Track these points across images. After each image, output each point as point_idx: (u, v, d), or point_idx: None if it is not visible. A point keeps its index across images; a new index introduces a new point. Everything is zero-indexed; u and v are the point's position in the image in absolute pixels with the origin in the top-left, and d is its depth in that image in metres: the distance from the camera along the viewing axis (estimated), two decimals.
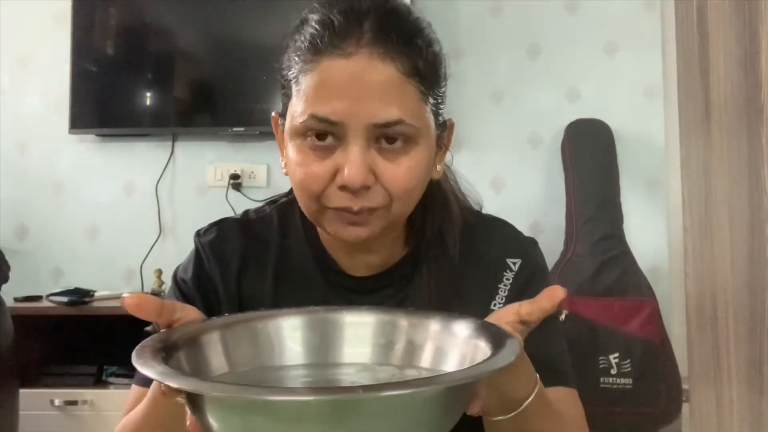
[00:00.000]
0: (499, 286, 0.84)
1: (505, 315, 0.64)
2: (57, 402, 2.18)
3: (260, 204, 0.93)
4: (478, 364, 0.52)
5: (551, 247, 2.42)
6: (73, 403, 2.18)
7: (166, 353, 0.56)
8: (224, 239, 0.87)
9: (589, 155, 2.44)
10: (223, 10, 2.60)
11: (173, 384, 0.50)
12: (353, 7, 0.72)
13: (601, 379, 2.18)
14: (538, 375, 0.69)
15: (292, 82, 0.74)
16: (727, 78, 1.46)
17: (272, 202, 0.93)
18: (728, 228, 1.47)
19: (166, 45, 2.68)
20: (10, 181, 2.70)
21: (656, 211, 2.52)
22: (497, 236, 0.88)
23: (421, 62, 0.73)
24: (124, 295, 0.61)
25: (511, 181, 2.58)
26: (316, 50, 0.72)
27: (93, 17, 2.66)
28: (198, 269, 0.86)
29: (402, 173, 0.73)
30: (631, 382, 2.18)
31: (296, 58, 0.74)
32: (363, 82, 0.70)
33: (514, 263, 0.85)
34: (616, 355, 2.17)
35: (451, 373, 0.52)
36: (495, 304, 0.84)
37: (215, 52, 2.67)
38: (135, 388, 0.83)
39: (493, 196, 2.57)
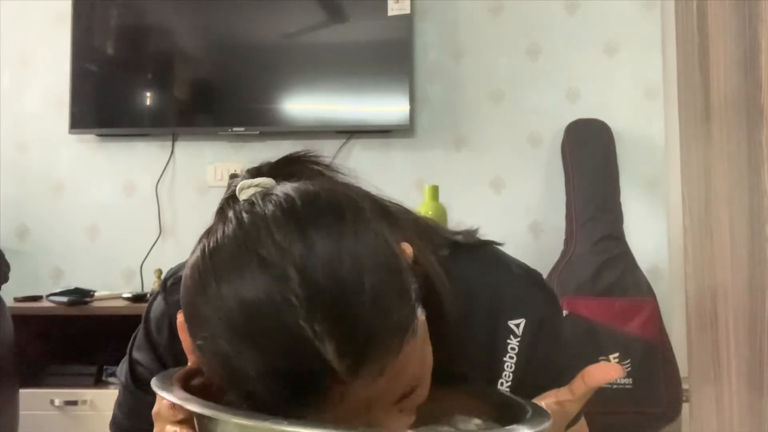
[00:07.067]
0: (504, 359, 0.71)
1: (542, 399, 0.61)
2: (57, 402, 2.17)
3: None
4: (505, 427, 0.53)
5: (551, 247, 2.42)
6: (73, 403, 2.18)
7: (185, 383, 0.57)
8: None
9: (589, 155, 2.44)
10: (223, 10, 2.60)
11: (193, 408, 0.49)
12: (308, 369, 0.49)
13: None
14: None
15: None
16: (727, 78, 1.46)
17: None
18: (728, 228, 1.47)
19: (166, 45, 2.68)
20: (10, 181, 2.70)
21: (656, 211, 2.52)
22: (492, 291, 0.71)
23: (405, 343, 0.53)
24: None
25: (511, 181, 2.58)
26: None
27: (93, 17, 2.66)
28: (171, 337, 0.71)
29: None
30: (631, 382, 2.17)
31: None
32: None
33: (518, 325, 0.71)
34: (616, 355, 2.17)
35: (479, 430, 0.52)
36: (502, 383, 0.71)
37: (215, 52, 2.67)
38: None
39: (493, 196, 2.57)
